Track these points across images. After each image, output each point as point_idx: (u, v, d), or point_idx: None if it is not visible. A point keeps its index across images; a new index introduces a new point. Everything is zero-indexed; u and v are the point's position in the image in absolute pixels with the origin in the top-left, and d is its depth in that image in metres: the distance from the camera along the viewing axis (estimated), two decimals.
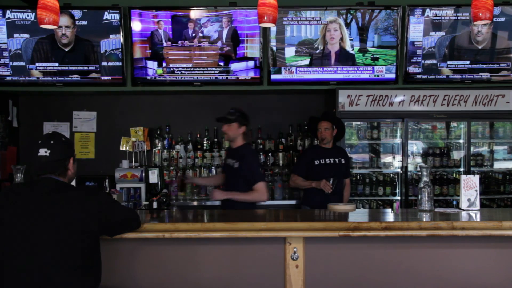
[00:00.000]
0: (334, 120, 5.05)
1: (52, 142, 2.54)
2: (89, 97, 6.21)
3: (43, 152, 2.51)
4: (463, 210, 3.37)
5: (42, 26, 3.66)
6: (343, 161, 5.00)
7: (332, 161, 4.94)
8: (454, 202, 5.93)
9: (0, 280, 2.41)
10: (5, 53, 5.53)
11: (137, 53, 5.59)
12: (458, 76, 5.69)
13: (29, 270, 2.36)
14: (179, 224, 2.92)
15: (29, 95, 6.14)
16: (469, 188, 3.39)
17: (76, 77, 5.60)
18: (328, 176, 4.70)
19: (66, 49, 5.56)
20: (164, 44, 5.58)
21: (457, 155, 6.08)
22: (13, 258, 2.38)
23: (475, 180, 3.40)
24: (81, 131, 6.22)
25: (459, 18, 5.57)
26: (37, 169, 2.53)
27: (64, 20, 5.45)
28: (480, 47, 5.64)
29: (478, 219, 3.13)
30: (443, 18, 5.57)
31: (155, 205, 4.09)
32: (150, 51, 5.59)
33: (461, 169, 5.94)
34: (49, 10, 3.61)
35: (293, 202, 5.77)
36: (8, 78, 5.58)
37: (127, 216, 2.72)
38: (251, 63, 5.62)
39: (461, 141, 6.04)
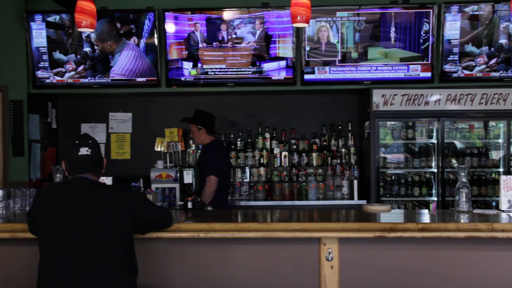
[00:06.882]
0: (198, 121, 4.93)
1: (90, 141, 2.61)
2: (125, 99, 6.31)
3: (84, 151, 2.56)
4: (503, 211, 3.29)
5: (80, 29, 3.76)
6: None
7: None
8: (494, 203, 5.78)
9: (39, 277, 2.47)
10: (45, 57, 5.67)
11: (173, 54, 5.66)
12: (496, 74, 5.55)
13: (68, 268, 2.40)
14: (214, 224, 2.94)
15: (67, 97, 6.29)
16: (509, 189, 3.31)
17: (112, 79, 5.72)
18: None
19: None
20: (200, 45, 5.63)
21: (496, 155, 5.93)
22: (52, 256, 2.43)
23: None
24: (117, 132, 6.33)
25: (497, 14, 5.43)
26: (79, 168, 2.56)
27: None
28: None
29: None
30: (480, 15, 5.44)
31: (189, 205, 4.13)
32: (187, 52, 5.66)
33: (501, 170, 5.79)
34: (86, 14, 3.70)
35: (327, 202, 5.73)
36: (48, 81, 5.73)
37: (159, 217, 2.75)
38: (283, 63, 5.62)
39: (500, 140, 5.88)
